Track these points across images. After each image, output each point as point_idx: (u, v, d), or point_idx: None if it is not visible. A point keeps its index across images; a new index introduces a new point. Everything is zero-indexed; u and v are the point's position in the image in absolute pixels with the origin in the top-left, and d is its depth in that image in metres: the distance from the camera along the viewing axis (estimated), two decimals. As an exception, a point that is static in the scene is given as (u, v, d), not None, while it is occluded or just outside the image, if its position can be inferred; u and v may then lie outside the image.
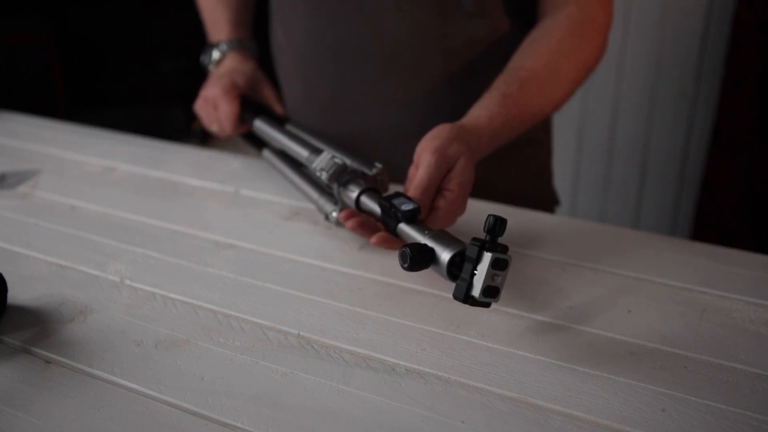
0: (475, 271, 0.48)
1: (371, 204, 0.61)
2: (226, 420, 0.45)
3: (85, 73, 2.56)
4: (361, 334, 0.54)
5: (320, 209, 0.69)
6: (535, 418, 0.45)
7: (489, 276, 0.47)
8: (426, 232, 0.54)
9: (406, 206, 0.56)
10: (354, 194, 0.63)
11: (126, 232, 0.71)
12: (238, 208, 0.77)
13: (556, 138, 1.00)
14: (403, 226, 0.56)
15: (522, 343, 0.53)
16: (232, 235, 0.70)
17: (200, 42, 1.00)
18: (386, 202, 0.57)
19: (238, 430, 0.44)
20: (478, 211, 0.75)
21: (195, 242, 0.69)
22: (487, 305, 0.50)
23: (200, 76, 0.95)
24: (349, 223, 0.60)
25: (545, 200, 0.95)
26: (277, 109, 0.90)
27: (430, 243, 0.52)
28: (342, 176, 0.65)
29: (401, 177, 0.77)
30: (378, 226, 0.61)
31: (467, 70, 0.81)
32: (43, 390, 0.48)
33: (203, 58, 0.94)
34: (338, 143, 0.74)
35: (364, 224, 0.61)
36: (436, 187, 0.60)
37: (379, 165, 0.66)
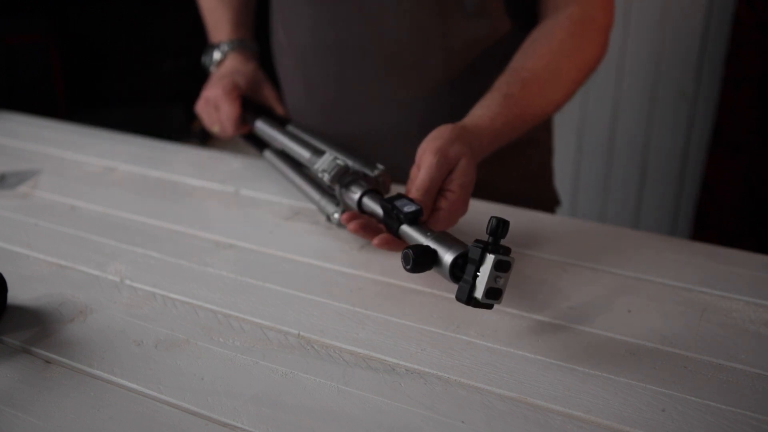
0: (478, 273, 0.48)
1: (373, 205, 0.61)
2: (226, 420, 0.45)
3: (85, 73, 2.56)
4: (361, 334, 0.54)
5: (322, 210, 0.69)
6: (535, 418, 0.45)
7: (492, 278, 0.47)
8: (428, 233, 0.54)
9: (409, 208, 0.56)
10: (356, 196, 0.63)
11: (126, 232, 0.71)
12: (238, 208, 0.77)
13: (556, 138, 1.00)
14: (406, 228, 0.56)
15: (522, 343, 0.53)
16: (232, 235, 0.70)
17: (200, 42, 1.00)
18: (388, 204, 0.57)
19: (238, 430, 0.44)
20: (478, 212, 0.75)
21: (195, 242, 0.69)
22: (489, 307, 0.50)
23: (201, 76, 0.95)
24: (351, 225, 0.60)
25: (546, 200, 0.95)
26: (278, 109, 0.90)
27: (432, 245, 0.52)
28: (344, 178, 0.65)
29: (402, 177, 0.77)
30: (380, 228, 0.61)
31: (468, 71, 0.81)
32: (43, 390, 0.48)
33: (204, 59, 0.94)
34: (339, 144, 0.74)
35: (366, 226, 0.61)
36: (438, 187, 0.60)
37: (380, 166, 0.66)
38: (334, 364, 0.50)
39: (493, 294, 0.48)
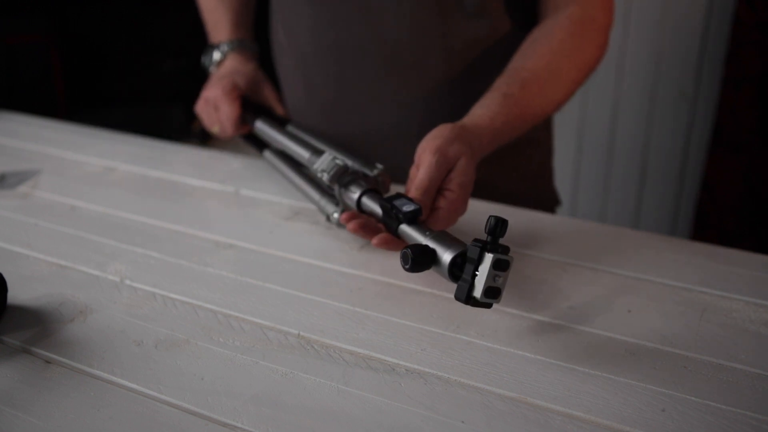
0: (477, 272, 0.48)
1: (372, 205, 0.61)
2: (226, 420, 0.45)
3: (85, 73, 2.56)
4: (361, 334, 0.54)
5: (322, 210, 0.69)
6: (535, 418, 0.45)
7: (490, 277, 0.47)
8: (427, 233, 0.54)
9: (407, 207, 0.56)
10: (355, 195, 0.63)
11: (126, 232, 0.71)
12: (238, 208, 0.77)
13: (556, 138, 1.00)
14: (405, 227, 0.56)
15: (522, 343, 0.53)
16: (232, 235, 0.70)
17: (200, 42, 1.00)
18: (387, 204, 0.57)
19: (238, 430, 0.44)
20: (478, 212, 0.75)
21: (195, 242, 0.69)
22: (488, 306, 0.50)
23: (201, 76, 0.95)
24: (351, 225, 0.60)
25: (546, 200, 0.95)
26: (278, 109, 0.90)
27: (431, 244, 0.52)
28: (343, 177, 0.65)
29: (402, 177, 0.77)
30: (379, 227, 0.61)
31: (468, 71, 0.81)
32: (43, 390, 0.48)
33: (204, 59, 0.94)
34: (339, 144, 0.74)
35: (365, 226, 0.61)
36: (437, 187, 0.60)
37: (380, 166, 0.66)
38: (334, 364, 0.50)
39: (492, 293, 0.48)
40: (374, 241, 0.59)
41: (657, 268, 0.64)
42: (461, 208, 0.61)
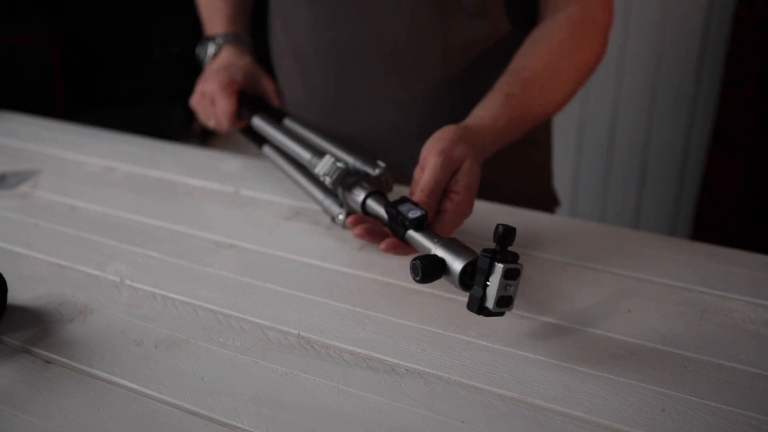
0: (488, 283, 0.48)
1: (377, 208, 0.61)
2: (226, 420, 0.45)
3: (85, 73, 2.56)
4: (361, 334, 0.54)
5: (326, 211, 0.68)
6: (535, 418, 0.45)
7: (502, 287, 0.47)
8: (435, 240, 0.53)
9: (413, 213, 0.55)
10: (359, 198, 0.62)
11: (126, 232, 0.71)
12: (238, 208, 0.77)
13: (556, 138, 1.00)
14: (412, 233, 0.56)
15: (522, 343, 0.53)
16: (232, 235, 0.70)
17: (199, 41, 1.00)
18: (393, 209, 0.57)
19: (238, 430, 0.44)
20: (479, 212, 0.75)
21: (195, 242, 0.69)
22: (501, 314, 0.50)
23: (200, 76, 0.95)
24: (357, 230, 0.60)
25: (545, 200, 0.95)
26: (276, 103, 0.90)
27: (440, 253, 0.52)
28: (345, 180, 0.64)
29: (401, 177, 0.77)
30: (386, 231, 0.61)
31: (468, 71, 0.81)
32: (43, 390, 0.48)
33: (199, 51, 0.93)
34: (338, 141, 0.73)
35: (372, 230, 0.60)
36: (443, 189, 0.59)
37: (382, 164, 0.66)
38: (334, 364, 0.50)
39: (504, 302, 0.48)
40: (382, 246, 0.58)
41: (657, 268, 0.64)
42: (467, 210, 0.61)
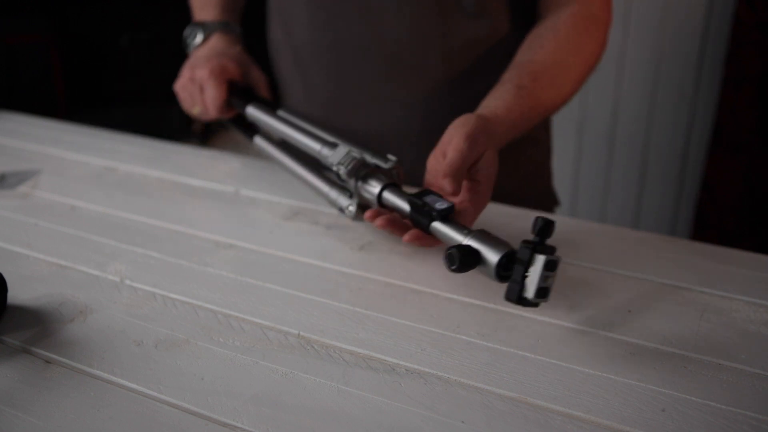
0: (527, 273, 0.48)
1: (396, 200, 0.60)
2: (226, 420, 0.45)
3: (85, 73, 2.56)
4: (361, 334, 0.54)
5: (332, 203, 0.67)
6: (535, 418, 0.45)
7: (542, 278, 0.48)
8: (465, 231, 0.54)
9: (441, 204, 0.55)
10: (375, 190, 0.61)
11: (126, 232, 0.71)
12: (238, 208, 0.77)
13: (556, 138, 1.00)
14: (439, 225, 0.56)
15: (522, 343, 0.53)
16: (232, 235, 0.70)
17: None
18: (418, 200, 0.56)
19: (238, 430, 0.44)
20: (481, 215, 0.75)
21: (195, 242, 0.69)
22: (536, 305, 0.50)
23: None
24: (379, 221, 0.59)
25: (545, 200, 0.95)
26: (266, 94, 0.89)
27: (474, 244, 0.52)
28: (360, 170, 0.63)
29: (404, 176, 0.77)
30: (406, 223, 0.60)
31: (468, 71, 0.81)
32: (43, 390, 0.48)
33: (186, 35, 0.91)
34: (341, 133, 0.73)
35: (393, 222, 0.60)
36: (466, 171, 0.59)
37: (392, 158, 0.65)
38: (334, 364, 0.50)
39: (542, 293, 0.49)
40: (406, 237, 0.58)
41: (657, 268, 0.64)
42: (487, 200, 0.60)
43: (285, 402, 0.46)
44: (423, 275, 0.62)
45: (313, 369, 0.50)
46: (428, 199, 0.56)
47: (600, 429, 0.44)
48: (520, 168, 0.89)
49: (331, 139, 0.71)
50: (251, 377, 0.49)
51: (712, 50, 1.70)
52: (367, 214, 0.61)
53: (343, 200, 0.66)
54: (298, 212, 0.76)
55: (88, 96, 2.59)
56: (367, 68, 0.82)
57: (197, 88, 0.84)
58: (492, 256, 0.51)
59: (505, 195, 0.85)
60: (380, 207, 0.62)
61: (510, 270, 0.50)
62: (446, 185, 0.58)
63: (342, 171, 0.64)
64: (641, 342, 0.53)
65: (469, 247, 0.52)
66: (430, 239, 0.58)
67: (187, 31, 0.91)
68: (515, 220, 0.74)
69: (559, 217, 0.76)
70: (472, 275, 0.62)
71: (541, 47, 0.73)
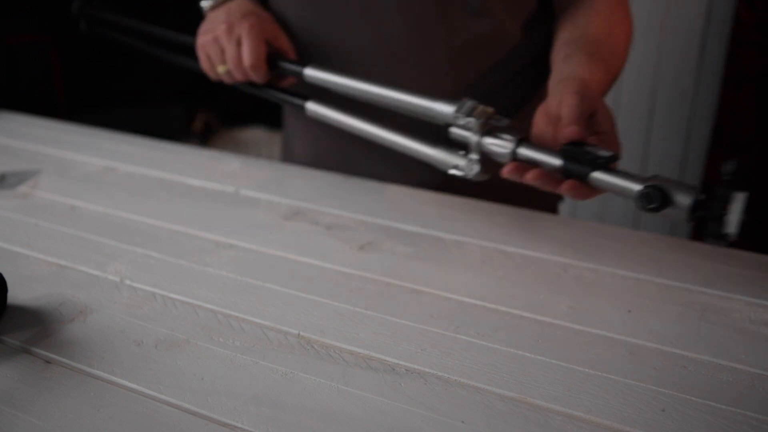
0: (727, 211, 0.50)
1: (538, 153, 0.59)
2: (226, 420, 0.45)
3: (85, 73, 2.56)
4: (361, 334, 0.54)
5: (441, 164, 0.64)
6: (535, 418, 0.45)
7: (742, 214, 0.50)
8: (639, 178, 0.54)
9: (604, 152, 0.55)
10: (510, 143, 0.59)
11: (126, 232, 0.71)
12: (238, 208, 0.77)
13: (556, 138, 1.00)
14: (601, 174, 0.55)
15: (522, 343, 0.53)
16: (232, 235, 0.70)
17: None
18: (577, 149, 0.55)
19: (238, 430, 0.44)
20: (478, 211, 0.75)
21: (195, 242, 0.69)
22: (727, 243, 0.52)
23: (200, 76, 0.94)
24: (530, 175, 0.58)
25: (550, 195, 0.95)
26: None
27: (660, 186, 0.52)
28: (486, 125, 0.61)
29: (409, 180, 0.77)
30: (554, 175, 0.59)
31: (472, 70, 0.81)
32: (43, 390, 0.48)
33: None
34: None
35: (545, 174, 0.58)
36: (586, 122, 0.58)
37: (505, 119, 0.62)
38: (334, 364, 0.50)
39: (739, 229, 0.51)
40: (565, 187, 0.57)
41: (657, 268, 0.64)
42: (620, 149, 0.59)
43: (285, 402, 0.46)
44: (423, 275, 0.62)
45: (313, 369, 0.50)
46: (589, 148, 0.55)
47: (600, 429, 0.44)
48: None
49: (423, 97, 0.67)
50: (251, 377, 0.49)
51: (712, 50, 1.70)
52: (507, 168, 0.59)
53: (455, 159, 0.63)
54: (298, 212, 0.76)
55: (88, 96, 2.59)
56: (368, 68, 0.82)
57: (233, 42, 0.76)
58: (683, 198, 0.51)
59: (511, 190, 0.85)
60: (514, 162, 0.60)
61: (697, 211, 0.51)
62: (572, 133, 0.57)
63: (473, 124, 0.61)
64: (641, 342, 0.53)
65: (662, 186, 0.52)
66: (587, 190, 0.57)
67: None
68: (515, 220, 0.74)
69: (559, 217, 0.76)
70: (472, 275, 0.62)
71: (588, 23, 0.73)
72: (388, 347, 0.52)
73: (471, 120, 0.61)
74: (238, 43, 0.77)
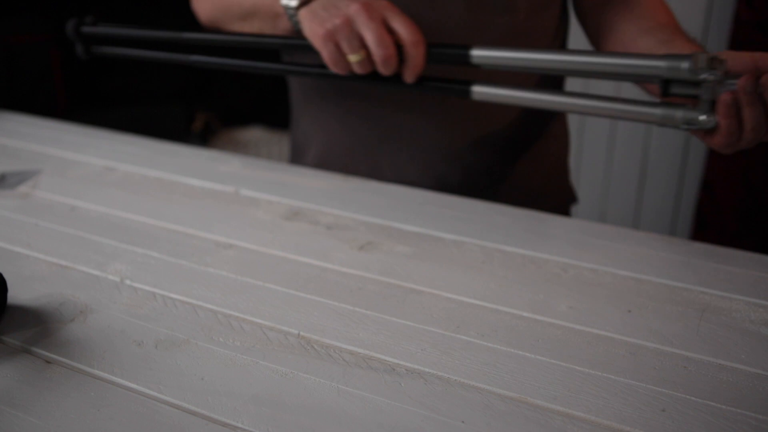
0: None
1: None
2: (226, 420, 0.45)
3: (85, 73, 2.56)
4: (361, 334, 0.54)
5: (672, 121, 0.62)
6: (535, 418, 0.45)
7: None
8: None
9: None
10: (747, 82, 0.58)
11: (126, 232, 0.71)
12: (238, 208, 0.77)
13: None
14: None
15: (522, 343, 0.53)
16: (232, 235, 0.70)
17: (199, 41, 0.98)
18: None
19: (238, 430, 0.44)
20: (476, 212, 0.75)
21: (195, 242, 0.69)
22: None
23: (200, 76, 0.94)
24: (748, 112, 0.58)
25: (566, 195, 0.95)
26: None
27: None
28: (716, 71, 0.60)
29: (444, 187, 0.76)
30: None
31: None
32: (43, 390, 0.48)
33: None
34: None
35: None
36: None
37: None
38: (334, 364, 0.50)
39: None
40: None
41: (657, 268, 0.64)
42: None
43: (285, 402, 0.46)
44: (423, 275, 0.62)
45: (313, 369, 0.50)
46: None
47: (600, 429, 0.44)
48: (543, 164, 0.89)
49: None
50: (251, 377, 0.49)
51: (712, 50, 1.70)
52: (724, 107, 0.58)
53: (690, 113, 0.62)
54: (298, 212, 0.76)
55: (88, 96, 2.59)
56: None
57: (376, 20, 0.64)
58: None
59: (529, 191, 0.85)
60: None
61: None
62: None
63: (713, 78, 0.60)
64: (641, 342, 0.53)
65: None
66: None
67: None
68: (515, 220, 0.74)
69: (559, 217, 0.76)
70: (472, 275, 0.62)
71: (654, 15, 0.75)
72: (388, 347, 0.52)
73: (711, 73, 0.60)
74: (387, 20, 0.65)
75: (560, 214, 0.76)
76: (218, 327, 0.55)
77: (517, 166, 0.81)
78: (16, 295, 0.59)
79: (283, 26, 0.75)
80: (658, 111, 0.63)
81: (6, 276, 0.57)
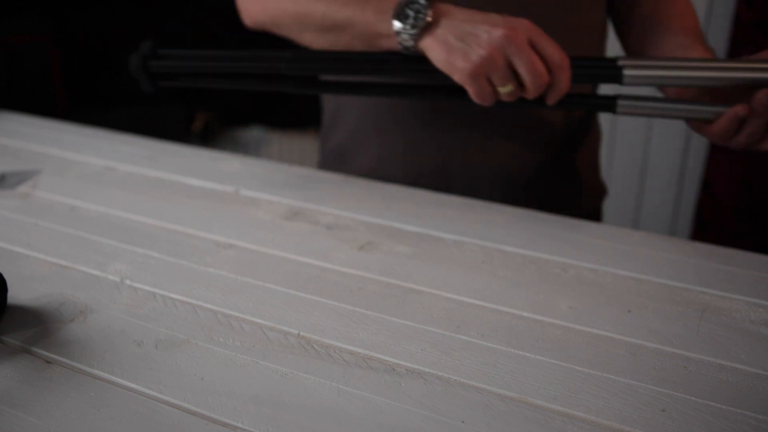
0: None
1: None
2: (226, 420, 0.45)
3: (85, 73, 2.56)
4: (361, 334, 0.54)
5: None
6: (535, 418, 0.45)
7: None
8: None
9: None
10: None
11: (126, 232, 0.71)
12: (238, 208, 0.77)
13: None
14: None
15: (522, 343, 0.53)
16: (232, 235, 0.70)
17: (200, 40, 0.98)
18: None
19: (238, 430, 0.44)
20: (479, 211, 0.75)
21: (195, 242, 0.69)
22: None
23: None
24: None
25: (599, 190, 0.97)
26: None
27: None
28: None
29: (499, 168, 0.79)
30: None
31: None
32: (43, 390, 0.48)
33: (400, 13, 0.64)
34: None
35: None
36: None
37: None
38: (334, 364, 0.50)
39: None
40: None
41: (657, 268, 0.64)
42: None
43: (285, 402, 0.46)
44: (423, 275, 0.62)
45: (313, 369, 0.50)
46: None
47: (600, 429, 0.44)
48: (580, 159, 0.90)
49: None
50: (251, 377, 0.49)
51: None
52: None
53: None
54: (298, 212, 0.76)
55: (88, 96, 2.59)
56: None
57: (528, 50, 0.59)
58: None
59: (565, 186, 0.86)
60: None
61: None
62: None
63: None
64: (641, 342, 0.53)
65: None
66: None
67: (399, 9, 0.64)
68: (515, 220, 0.74)
69: (559, 218, 0.76)
70: (472, 275, 0.62)
71: (684, 11, 0.76)
72: (388, 347, 0.52)
73: None
74: (535, 46, 0.61)
75: (594, 209, 0.77)
76: (218, 327, 0.55)
77: (551, 162, 0.83)
78: (16, 295, 0.59)
79: (385, 45, 0.68)
80: None
81: (6, 276, 0.57)
